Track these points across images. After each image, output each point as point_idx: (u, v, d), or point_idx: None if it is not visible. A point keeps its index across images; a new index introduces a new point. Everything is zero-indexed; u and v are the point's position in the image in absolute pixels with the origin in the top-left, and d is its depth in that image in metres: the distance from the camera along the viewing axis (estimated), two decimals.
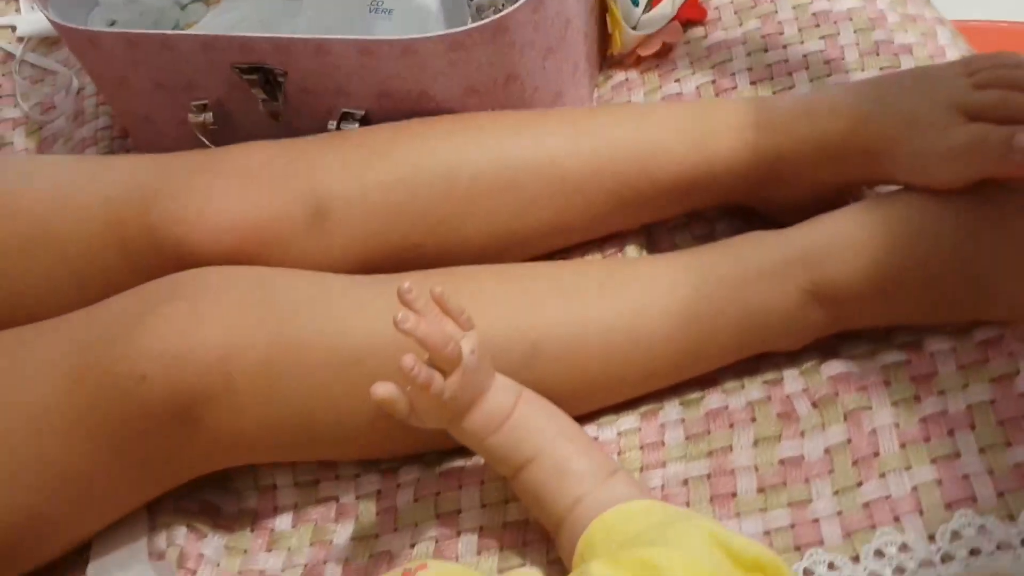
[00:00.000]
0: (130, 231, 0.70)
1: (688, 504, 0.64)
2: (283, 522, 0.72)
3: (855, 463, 0.63)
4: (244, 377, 0.62)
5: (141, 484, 0.67)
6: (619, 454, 0.67)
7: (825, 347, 0.69)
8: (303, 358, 0.64)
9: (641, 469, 0.66)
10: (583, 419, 0.68)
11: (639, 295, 0.66)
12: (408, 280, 0.58)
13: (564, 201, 0.73)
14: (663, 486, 0.65)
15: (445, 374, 0.58)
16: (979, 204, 0.63)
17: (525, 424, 0.61)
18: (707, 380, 0.69)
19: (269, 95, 0.82)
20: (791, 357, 0.69)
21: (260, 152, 0.73)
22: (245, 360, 0.62)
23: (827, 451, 0.64)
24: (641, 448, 0.67)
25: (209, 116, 0.84)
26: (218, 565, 0.69)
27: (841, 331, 0.68)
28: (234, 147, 0.74)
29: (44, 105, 1.06)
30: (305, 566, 0.69)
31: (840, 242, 0.64)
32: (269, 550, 0.71)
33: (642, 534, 0.55)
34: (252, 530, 0.72)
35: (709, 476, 0.65)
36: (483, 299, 0.64)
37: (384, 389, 0.58)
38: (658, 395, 0.69)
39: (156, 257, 0.69)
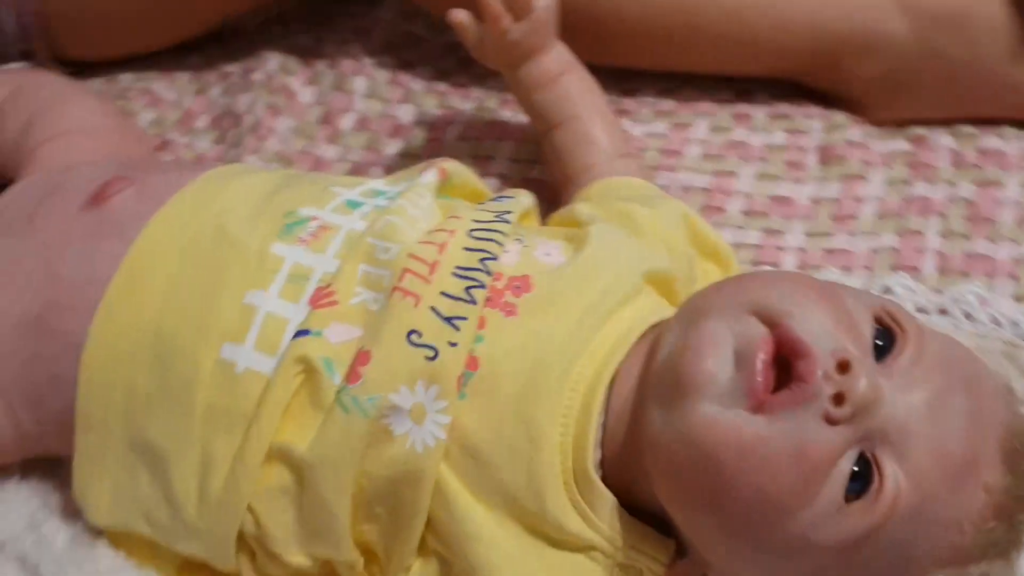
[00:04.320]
0: None
1: None
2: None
3: (835, 218, 0.71)
4: None
5: None
6: (641, 151, 0.76)
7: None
8: None
9: (655, 168, 0.75)
10: (622, 113, 0.77)
11: None
12: None
13: None
14: (667, 187, 0.73)
15: (517, 19, 0.67)
16: None
17: (568, 90, 0.69)
18: (741, 116, 0.77)
19: None
20: (824, 115, 0.77)
21: None
22: None
23: (815, 201, 0.72)
24: (661, 152, 0.76)
25: None
26: None
27: None
28: None
29: None
30: None
31: None
32: None
33: (631, 198, 0.64)
34: None
35: (707, 189, 0.74)
36: None
37: (460, 14, 0.67)
38: (693, 112, 0.78)
39: None
